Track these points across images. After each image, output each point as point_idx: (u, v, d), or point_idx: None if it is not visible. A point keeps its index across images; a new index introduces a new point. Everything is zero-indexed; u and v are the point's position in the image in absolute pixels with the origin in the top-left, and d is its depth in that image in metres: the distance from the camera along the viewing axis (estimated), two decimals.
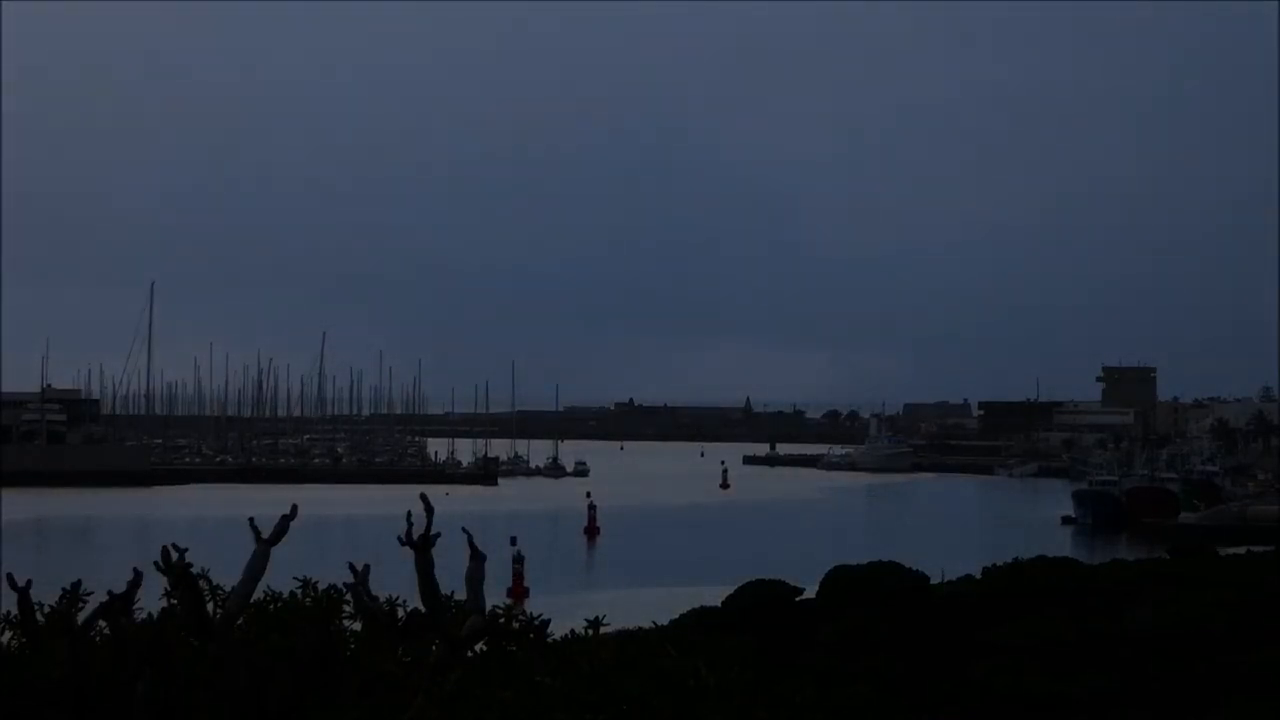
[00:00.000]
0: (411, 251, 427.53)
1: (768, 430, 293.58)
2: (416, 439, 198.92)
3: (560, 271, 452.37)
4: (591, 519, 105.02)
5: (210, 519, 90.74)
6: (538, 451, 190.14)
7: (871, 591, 25.78)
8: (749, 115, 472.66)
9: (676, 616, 26.94)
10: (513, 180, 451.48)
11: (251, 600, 8.68)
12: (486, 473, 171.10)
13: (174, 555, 8.42)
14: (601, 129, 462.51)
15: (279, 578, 8.82)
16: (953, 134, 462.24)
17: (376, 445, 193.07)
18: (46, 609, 8.68)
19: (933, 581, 27.40)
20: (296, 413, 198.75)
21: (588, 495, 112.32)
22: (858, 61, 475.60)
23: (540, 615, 8.21)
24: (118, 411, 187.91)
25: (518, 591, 62.03)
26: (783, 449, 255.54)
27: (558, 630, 8.32)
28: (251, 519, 8.64)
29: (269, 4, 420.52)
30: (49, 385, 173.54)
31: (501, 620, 8.18)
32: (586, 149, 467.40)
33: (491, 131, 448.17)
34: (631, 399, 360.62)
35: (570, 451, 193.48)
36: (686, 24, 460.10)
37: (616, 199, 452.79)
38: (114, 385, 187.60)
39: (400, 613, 8.68)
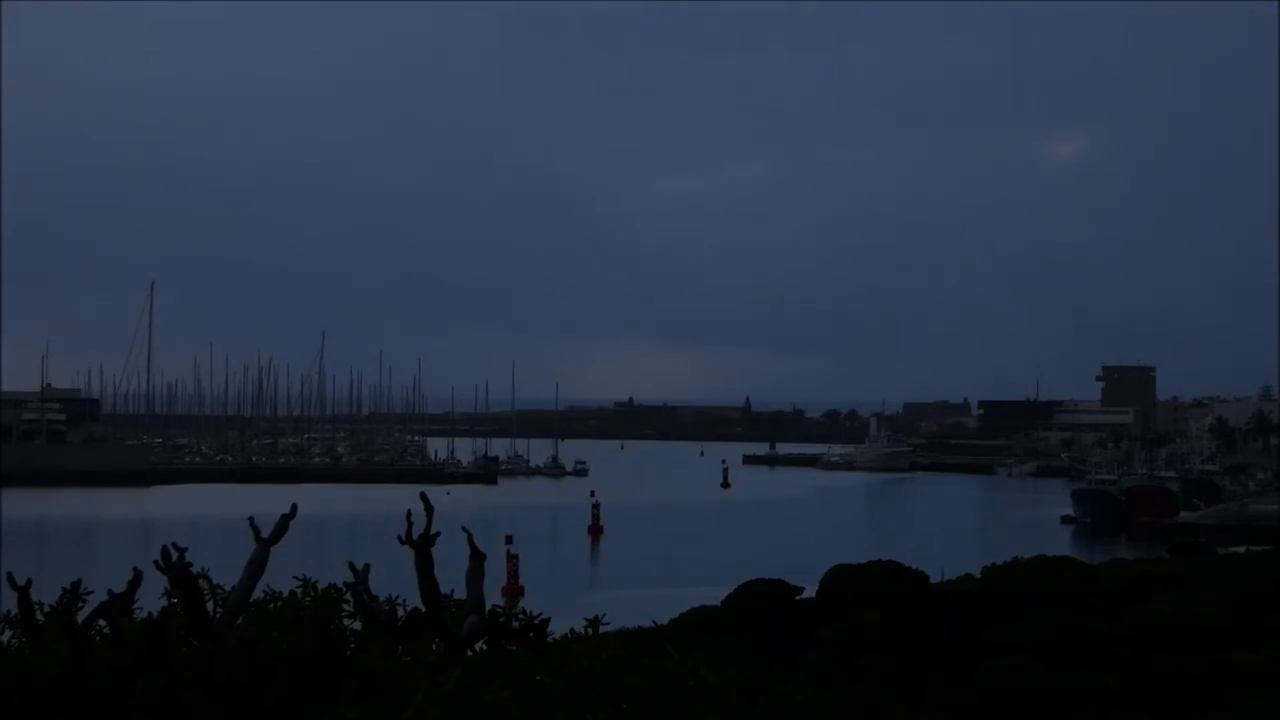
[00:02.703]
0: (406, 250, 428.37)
1: (767, 430, 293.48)
2: (416, 438, 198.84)
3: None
4: (595, 517, 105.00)
5: (210, 519, 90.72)
6: (538, 451, 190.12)
7: (871, 591, 25.79)
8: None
9: (676, 616, 26.95)
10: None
11: (251, 599, 8.68)
12: (486, 472, 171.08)
13: (174, 555, 8.42)
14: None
15: (279, 577, 8.82)
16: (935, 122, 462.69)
17: (376, 445, 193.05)
18: (46, 609, 8.68)
19: (933, 581, 27.43)
20: (296, 412, 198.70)
21: (592, 494, 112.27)
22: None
23: (540, 614, 8.21)
24: (118, 411, 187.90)
25: (512, 590, 62.03)
26: (782, 448, 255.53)
27: (557, 630, 8.32)
28: (251, 519, 8.64)
29: (266, 5, 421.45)
30: (49, 385, 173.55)
31: (501, 619, 8.18)
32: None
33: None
34: (631, 399, 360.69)
35: (570, 451, 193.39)
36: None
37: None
38: (114, 385, 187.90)
39: (400, 612, 8.67)
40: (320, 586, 8.86)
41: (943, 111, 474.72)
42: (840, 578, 27.32)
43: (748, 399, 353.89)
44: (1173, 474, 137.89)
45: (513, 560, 66.97)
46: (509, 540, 72.05)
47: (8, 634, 8.86)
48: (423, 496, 8.10)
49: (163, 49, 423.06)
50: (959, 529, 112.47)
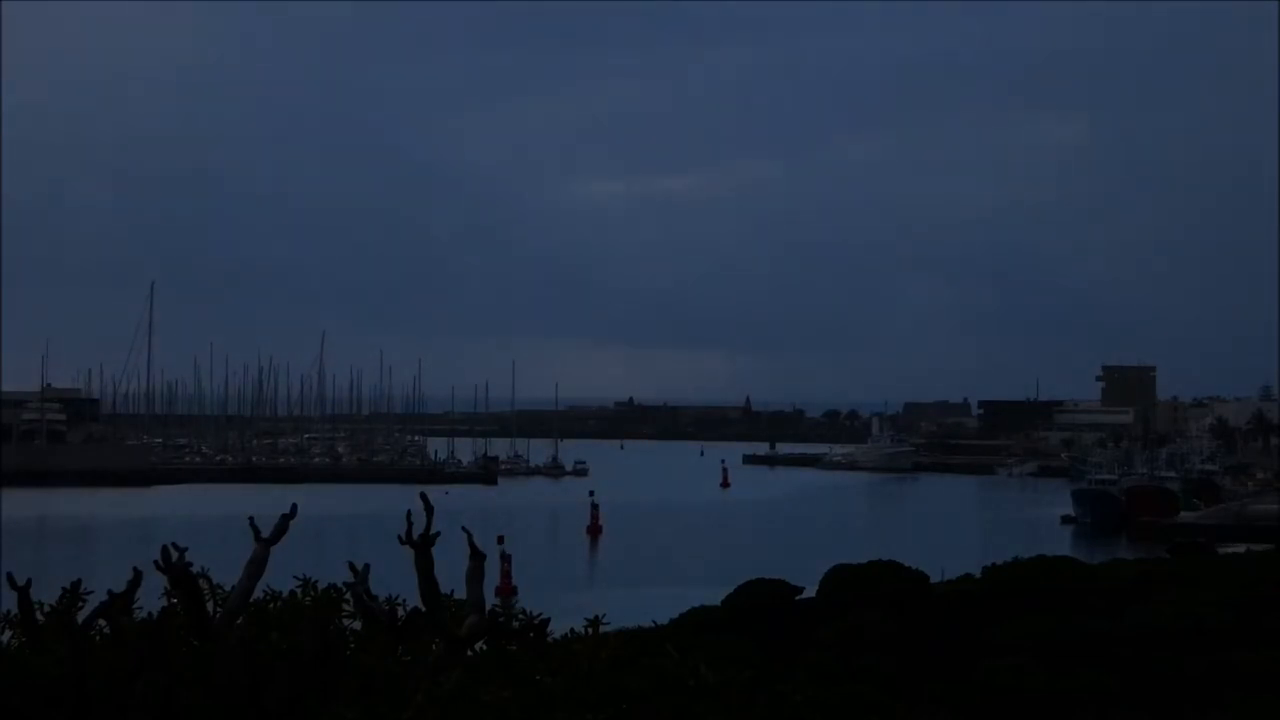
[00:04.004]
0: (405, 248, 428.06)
1: (767, 430, 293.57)
2: (416, 438, 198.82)
3: None
4: (594, 518, 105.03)
5: (210, 519, 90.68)
6: (538, 451, 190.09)
7: (871, 591, 25.79)
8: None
9: (676, 616, 26.95)
10: None
11: (251, 599, 8.68)
12: (486, 472, 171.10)
13: (174, 555, 8.43)
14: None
15: (279, 577, 8.82)
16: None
17: (376, 445, 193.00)
18: (46, 609, 8.68)
19: (933, 581, 27.43)
20: (296, 412, 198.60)
21: (591, 494, 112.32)
22: None
23: (540, 614, 8.21)
24: (118, 411, 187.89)
25: (505, 589, 62.00)
26: (782, 448, 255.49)
27: (557, 630, 8.32)
28: (251, 519, 8.65)
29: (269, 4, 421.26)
30: (49, 385, 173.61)
31: (501, 619, 8.19)
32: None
33: None
34: (631, 399, 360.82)
35: (570, 451, 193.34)
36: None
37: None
38: (114, 385, 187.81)
39: (400, 612, 8.68)
40: (320, 586, 8.86)
41: (931, 102, 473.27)
42: (840, 578, 27.31)
43: (748, 399, 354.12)
44: (1173, 474, 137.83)
45: (505, 560, 67.00)
46: (501, 540, 71.97)
47: (8, 634, 8.86)
48: (423, 496, 8.11)
49: (161, 49, 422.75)
50: (959, 529, 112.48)
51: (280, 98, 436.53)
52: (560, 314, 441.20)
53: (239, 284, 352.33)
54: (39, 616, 8.67)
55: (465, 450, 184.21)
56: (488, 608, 8.14)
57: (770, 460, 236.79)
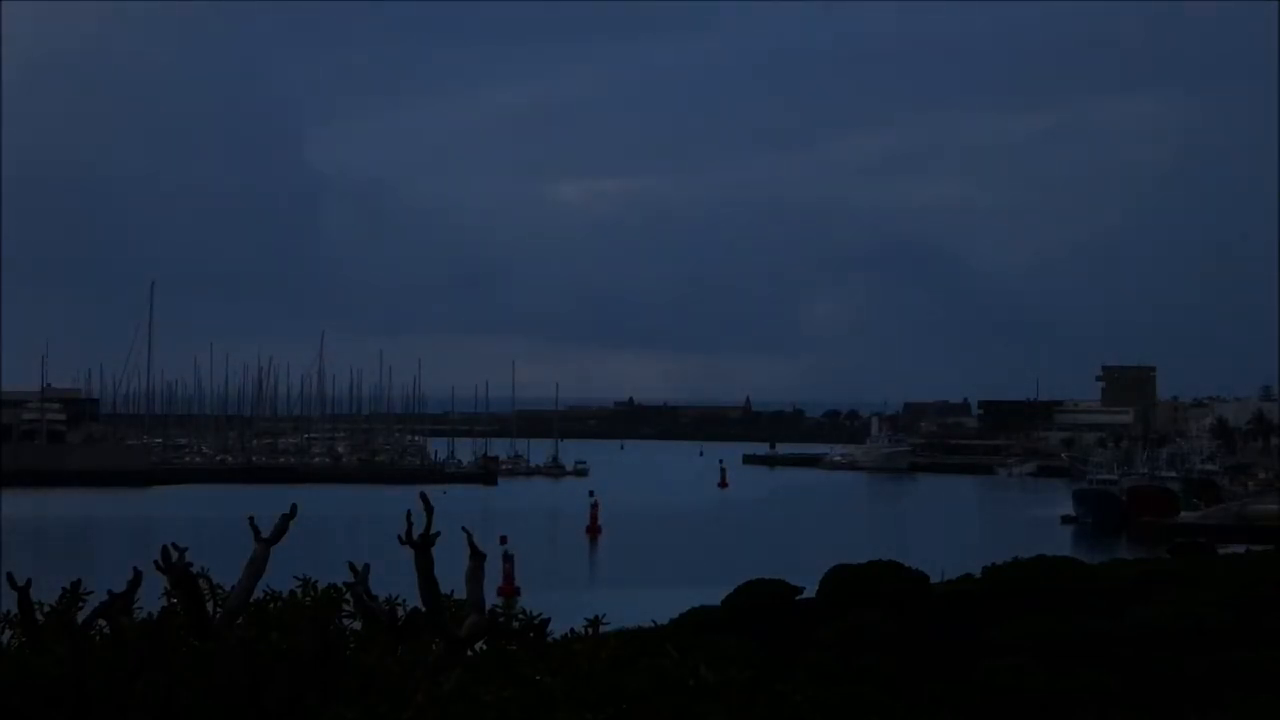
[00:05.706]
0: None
1: (767, 430, 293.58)
2: (416, 438, 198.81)
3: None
4: (594, 517, 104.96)
5: (210, 519, 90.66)
6: (538, 451, 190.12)
7: (871, 591, 25.78)
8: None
9: (676, 616, 26.93)
10: None
11: (251, 599, 8.69)
12: (486, 472, 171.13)
13: (174, 555, 8.43)
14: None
15: (279, 577, 8.82)
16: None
17: (376, 445, 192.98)
18: (46, 609, 8.68)
19: (933, 581, 27.41)
20: (296, 412, 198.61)
21: (591, 494, 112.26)
22: None
23: (540, 614, 8.22)
24: (118, 411, 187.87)
25: (508, 590, 61.96)
26: (782, 448, 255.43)
27: (557, 630, 8.32)
28: (251, 518, 8.66)
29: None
30: (49, 385, 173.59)
31: (501, 619, 8.19)
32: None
33: None
34: (631, 398, 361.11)
35: (570, 451, 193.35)
36: None
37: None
38: (114, 385, 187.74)
39: (400, 612, 8.68)
40: (320, 586, 8.86)
41: (923, 101, 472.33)
42: (840, 578, 27.29)
43: (748, 399, 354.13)
44: (1173, 474, 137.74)
45: (508, 560, 66.94)
46: (504, 540, 71.95)
47: (8, 634, 8.86)
48: (422, 496, 8.11)
49: (160, 49, 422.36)
50: (959, 529, 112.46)
51: (245, 101, 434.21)
52: (559, 313, 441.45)
53: (239, 284, 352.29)
54: (39, 616, 8.67)
55: (465, 450, 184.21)
56: (488, 608, 8.14)
57: (770, 460, 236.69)
